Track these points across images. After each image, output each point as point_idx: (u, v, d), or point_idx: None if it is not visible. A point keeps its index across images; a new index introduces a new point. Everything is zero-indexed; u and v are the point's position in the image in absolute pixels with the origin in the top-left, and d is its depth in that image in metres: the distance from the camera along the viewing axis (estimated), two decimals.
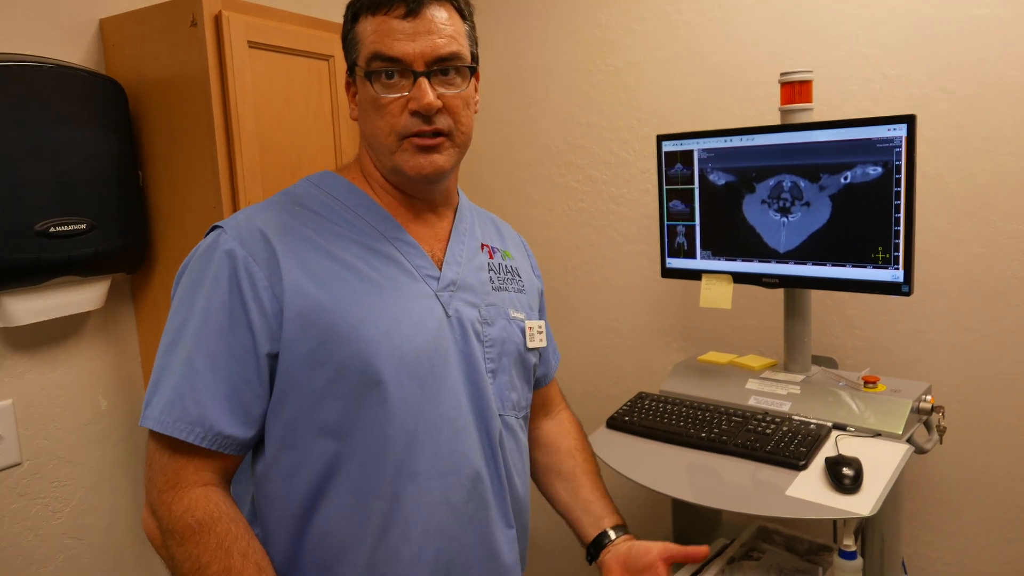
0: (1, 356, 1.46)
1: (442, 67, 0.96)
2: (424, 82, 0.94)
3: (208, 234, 0.97)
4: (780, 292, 1.65)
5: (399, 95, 0.95)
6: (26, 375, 1.50)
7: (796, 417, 1.43)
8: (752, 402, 1.53)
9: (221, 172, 1.42)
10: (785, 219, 1.50)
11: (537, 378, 1.23)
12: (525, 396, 1.13)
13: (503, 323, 1.07)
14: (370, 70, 0.95)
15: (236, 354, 0.89)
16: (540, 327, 1.14)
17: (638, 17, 2.00)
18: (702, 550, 1.12)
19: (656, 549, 1.13)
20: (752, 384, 1.58)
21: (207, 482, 0.89)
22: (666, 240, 1.69)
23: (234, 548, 0.85)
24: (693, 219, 1.64)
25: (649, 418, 1.52)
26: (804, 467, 1.29)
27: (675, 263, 1.69)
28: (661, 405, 1.56)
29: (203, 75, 1.40)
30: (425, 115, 0.95)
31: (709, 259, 1.63)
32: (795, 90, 1.53)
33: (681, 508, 1.63)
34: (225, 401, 0.89)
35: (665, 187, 1.67)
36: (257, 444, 0.96)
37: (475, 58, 1.03)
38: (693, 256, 1.65)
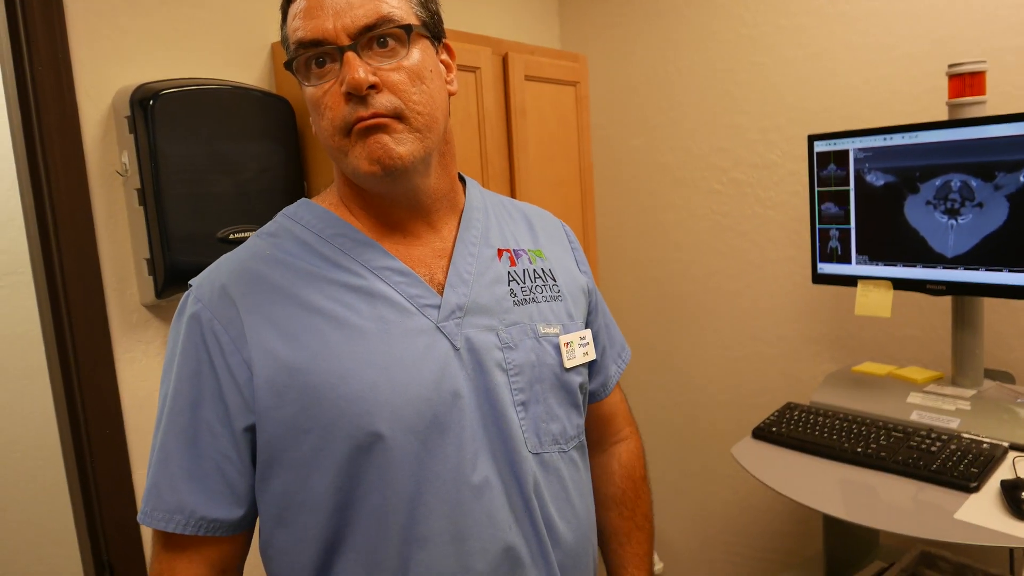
0: None
1: (374, 36, 0.79)
2: (350, 57, 0.78)
3: (184, 295, 0.87)
4: (947, 300, 1.53)
5: (331, 81, 0.79)
6: None
7: (966, 435, 1.33)
8: (915, 417, 1.43)
9: None
10: (954, 221, 1.40)
11: (592, 390, 1.04)
12: (573, 424, 0.93)
13: (530, 343, 0.89)
14: (295, 62, 0.81)
15: (213, 429, 0.80)
16: (583, 338, 0.95)
17: (786, 12, 1.92)
18: None
19: None
20: (915, 398, 1.48)
21: None
22: (818, 244, 1.61)
23: None
24: (848, 222, 1.55)
25: (799, 429, 1.46)
26: (976, 489, 1.19)
27: (828, 268, 1.61)
28: (812, 417, 1.49)
29: None
30: (358, 95, 0.78)
31: (866, 264, 1.54)
32: (966, 82, 1.42)
33: (833, 526, 1.55)
34: (204, 481, 0.80)
35: (817, 189, 1.60)
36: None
37: (429, 23, 0.85)
38: (848, 261, 1.57)
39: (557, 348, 0.91)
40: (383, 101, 0.78)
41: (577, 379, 0.93)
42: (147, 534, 1.48)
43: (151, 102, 1.34)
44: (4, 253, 2.18)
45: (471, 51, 1.68)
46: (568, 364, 0.91)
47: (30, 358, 2.15)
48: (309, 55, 0.80)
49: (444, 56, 0.89)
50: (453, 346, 0.84)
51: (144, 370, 1.47)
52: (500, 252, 0.93)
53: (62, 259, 1.35)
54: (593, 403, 1.05)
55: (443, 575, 0.80)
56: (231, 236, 1.44)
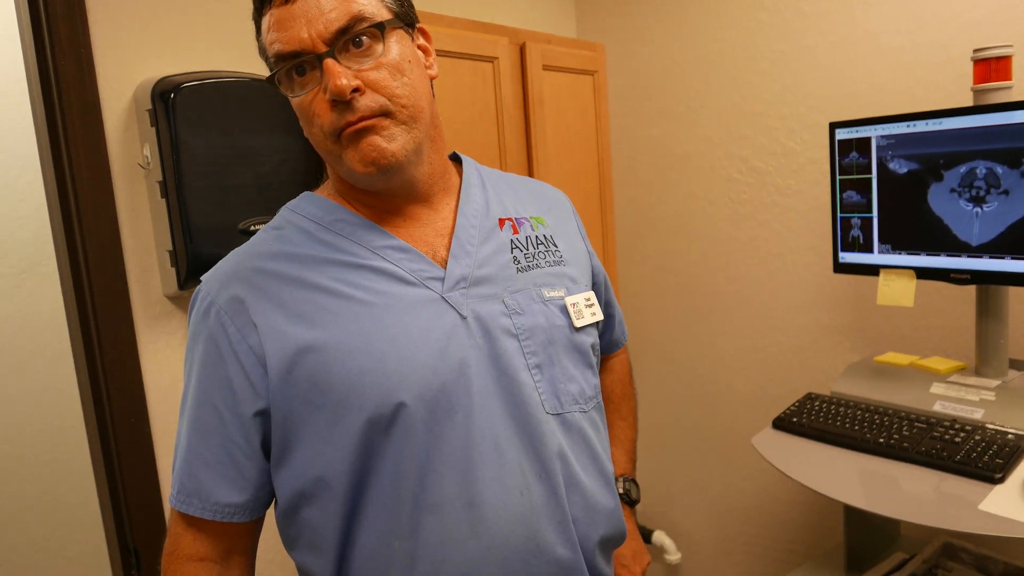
0: None
1: (349, 38, 0.79)
2: (329, 64, 0.78)
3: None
4: (970, 289, 1.51)
5: (314, 89, 0.80)
6: None
7: (991, 426, 1.31)
8: (938, 407, 1.41)
9: None
10: (979, 209, 1.38)
11: (603, 346, 1.11)
12: (590, 384, 0.94)
13: (538, 307, 0.90)
14: (274, 75, 0.82)
15: (223, 418, 0.83)
16: (588, 299, 0.96)
17: None
18: None
19: None
20: (938, 388, 1.46)
21: (204, 556, 0.85)
22: (839, 233, 1.60)
23: None
24: (870, 211, 1.54)
25: (819, 420, 1.45)
26: (1000, 480, 1.18)
27: (849, 257, 1.59)
28: (833, 407, 1.48)
29: None
30: (343, 101, 0.79)
31: (888, 253, 1.52)
32: (991, 67, 1.40)
33: (854, 517, 1.54)
34: (216, 468, 0.84)
35: (839, 177, 1.58)
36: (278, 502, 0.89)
37: (401, 12, 0.85)
38: (870, 250, 1.55)
39: (564, 310, 0.92)
40: (367, 103, 0.80)
41: (588, 339, 0.95)
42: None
43: (172, 95, 1.35)
44: (29, 245, 2.21)
45: (488, 41, 1.68)
46: (577, 324, 0.93)
47: (55, 348, 2.19)
48: (288, 67, 0.80)
49: (421, 41, 0.89)
50: (460, 315, 0.85)
51: (167, 359, 1.48)
52: (502, 222, 0.95)
53: (86, 251, 1.36)
54: (605, 354, 1.14)
55: (456, 540, 0.81)
56: (252, 228, 1.45)
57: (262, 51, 0.85)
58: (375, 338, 0.81)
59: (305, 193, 0.95)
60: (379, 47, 0.81)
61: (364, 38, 0.80)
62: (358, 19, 0.80)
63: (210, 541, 0.86)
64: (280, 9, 0.80)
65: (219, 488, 0.84)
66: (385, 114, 0.81)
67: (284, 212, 0.93)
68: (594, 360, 0.96)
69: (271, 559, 1.58)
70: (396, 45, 0.82)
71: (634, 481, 1.20)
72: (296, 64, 0.80)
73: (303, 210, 0.91)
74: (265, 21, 0.82)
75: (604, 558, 0.94)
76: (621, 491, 1.16)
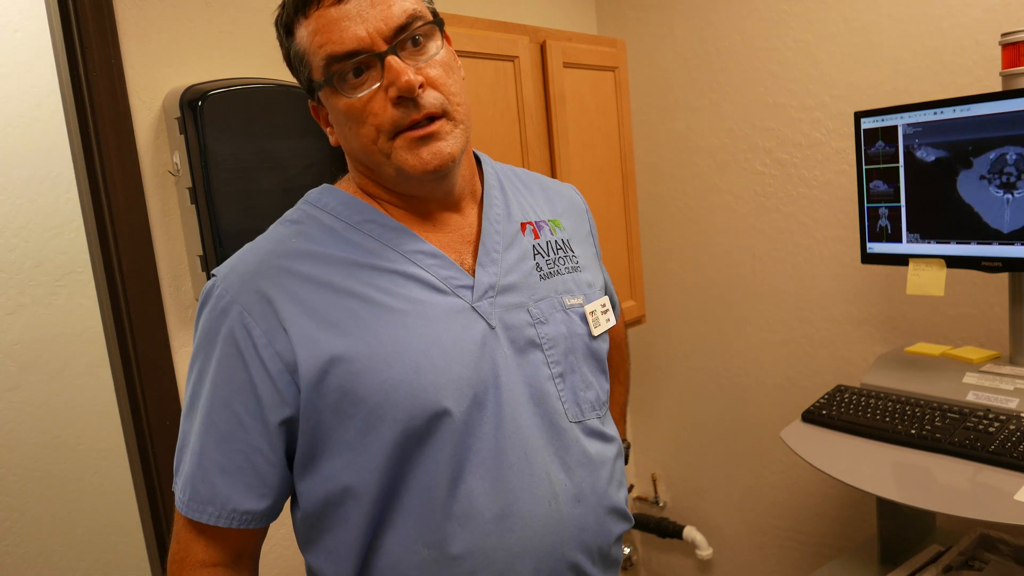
0: None
1: (407, 36, 0.79)
2: (394, 60, 0.77)
3: (206, 285, 0.86)
4: (1003, 277, 1.49)
5: (373, 88, 0.79)
6: None
7: None
8: (971, 398, 1.39)
9: None
10: (1009, 196, 1.36)
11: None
12: (604, 389, 0.96)
13: (560, 316, 0.91)
14: (331, 76, 0.79)
15: (244, 423, 0.80)
16: (604, 306, 0.97)
17: None
18: None
19: None
20: (971, 378, 1.44)
21: (216, 561, 0.83)
22: (867, 224, 1.58)
23: None
24: (898, 200, 1.52)
25: (850, 412, 1.44)
26: None
27: (877, 248, 1.58)
28: (863, 399, 1.47)
29: None
30: (410, 98, 0.78)
31: (917, 242, 1.50)
32: (1020, 51, 1.37)
33: (888, 509, 1.52)
34: (235, 475, 0.81)
35: (865, 167, 1.56)
36: (300, 505, 0.87)
37: (434, 11, 0.84)
38: (898, 240, 1.53)
39: (583, 318, 0.93)
40: (431, 99, 0.79)
41: (604, 346, 0.97)
42: None
43: (200, 103, 1.38)
44: (64, 254, 2.26)
45: (509, 40, 1.69)
46: (595, 332, 0.94)
47: (92, 355, 2.23)
48: (348, 67, 0.78)
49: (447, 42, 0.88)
50: (489, 325, 0.85)
51: None
52: (523, 226, 0.94)
53: (120, 258, 1.39)
54: None
55: (485, 550, 0.81)
56: None
57: (297, 56, 0.83)
58: (410, 348, 0.80)
59: (326, 186, 0.91)
60: (434, 45, 0.81)
61: (420, 37, 0.80)
62: (417, 16, 0.80)
63: (222, 546, 0.84)
64: (332, 9, 0.78)
65: (237, 495, 0.81)
66: (445, 114, 0.81)
67: (305, 206, 0.90)
68: (606, 366, 0.98)
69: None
70: (443, 44, 0.83)
71: (628, 444, 1.26)
72: (355, 65, 0.78)
73: (327, 206, 0.88)
74: (308, 25, 0.80)
75: (617, 549, 0.96)
76: None
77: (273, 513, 0.85)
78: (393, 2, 0.78)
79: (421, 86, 0.78)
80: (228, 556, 0.84)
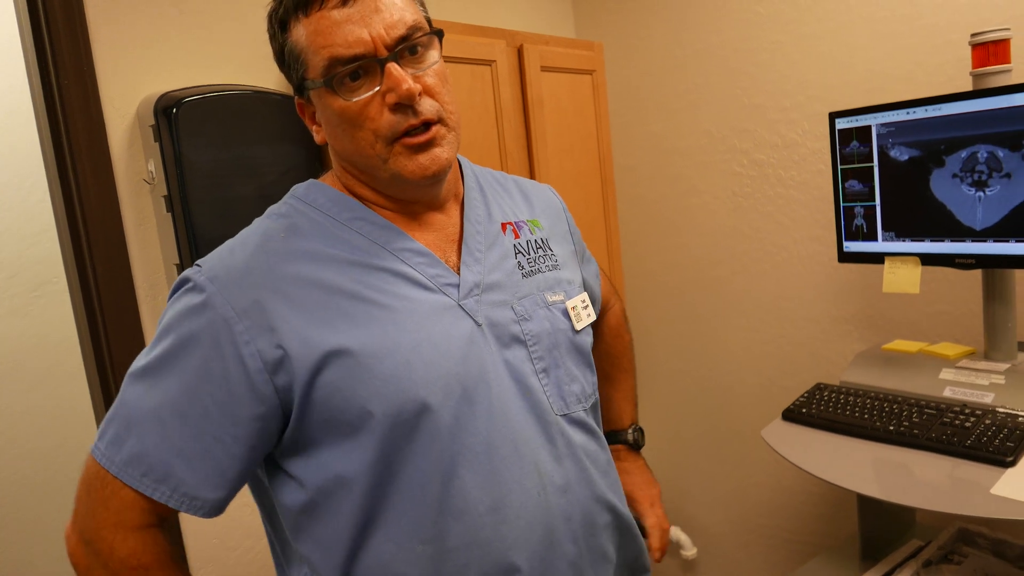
0: None
1: (407, 45, 0.82)
2: (394, 67, 0.80)
3: (187, 271, 0.84)
4: (976, 273, 1.51)
5: (370, 93, 0.81)
6: None
7: (1001, 409, 1.31)
8: (948, 393, 1.41)
9: None
10: (981, 193, 1.38)
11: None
12: (589, 382, 0.98)
13: (543, 312, 0.93)
14: (331, 78, 0.81)
15: (210, 414, 0.79)
16: (584, 301, 1.00)
17: None
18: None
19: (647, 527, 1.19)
20: (947, 374, 1.46)
21: (151, 523, 0.82)
22: (843, 223, 1.60)
23: None
24: (873, 199, 1.53)
25: (829, 410, 1.45)
26: (1012, 464, 1.17)
27: (853, 246, 1.59)
28: (842, 397, 1.48)
29: None
30: (408, 105, 0.81)
31: (892, 240, 1.52)
32: (989, 51, 1.39)
33: (869, 506, 1.54)
34: (193, 462, 0.79)
35: (840, 167, 1.58)
36: (292, 493, 0.86)
37: (430, 20, 0.88)
38: (874, 238, 1.55)
39: (565, 313, 0.96)
40: (427, 107, 0.82)
41: (587, 339, 0.99)
42: (184, 521, 1.52)
43: (174, 110, 1.36)
44: (39, 263, 2.24)
45: (486, 45, 1.69)
46: (578, 327, 0.97)
47: (69, 364, 2.21)
48: (348, 71, 0.80)
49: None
50: (476, 322, 0.87)
51: None
52: (504, 226, 0.97)
53: (95, 267, 1.38)
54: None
55: (479, 543, 0.83)
56: None
57: (292, 53, 0.83)
58: (400, 344, 0.82)
59: (313, 182, 0.92)
60: (432, 55, 0.85)
61: (419, 46, 0.83)
62: (418, 27, 0.83)
63: (159, 512, 0.82)
64: (335, 11, 0.79)
65: (192, 481, 0.80)
66: (440, 121, 0.84)
67: (293, 201, 0.91)
68: (591, 359, 1.00)
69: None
70: (438, 54, 0.86)
71: (640, 429, 1.28)
72: (355, 69, 0.80)
73: (316, 202, 0.89)
74: (308, 24, 0.81)
75: (611, 542, 0.97)
76: (631, 439, 1.26)
77: (221, 506, 0.83)
78: (396, 11, 0.81)
79: (419, 94, 0.81)
80: (161, 518, 0.83)
